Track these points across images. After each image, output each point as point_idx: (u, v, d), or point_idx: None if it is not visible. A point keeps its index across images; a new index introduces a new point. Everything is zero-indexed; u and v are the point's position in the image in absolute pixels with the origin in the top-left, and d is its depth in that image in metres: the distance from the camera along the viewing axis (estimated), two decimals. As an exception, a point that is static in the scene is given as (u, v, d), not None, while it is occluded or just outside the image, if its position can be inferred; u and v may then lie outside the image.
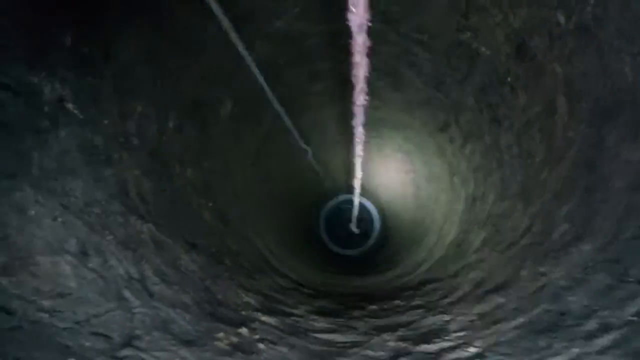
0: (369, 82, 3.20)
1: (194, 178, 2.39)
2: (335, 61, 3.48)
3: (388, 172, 5.47)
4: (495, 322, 1.52)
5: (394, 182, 5.53)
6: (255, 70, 2.31)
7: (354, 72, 1.64)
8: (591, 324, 1.21)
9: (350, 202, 5.72)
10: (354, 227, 5.77)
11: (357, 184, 3.62)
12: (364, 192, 6.27)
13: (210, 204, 2.53)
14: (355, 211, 5.01)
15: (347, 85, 2.11)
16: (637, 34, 1.51)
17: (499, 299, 1.62)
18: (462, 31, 2.63)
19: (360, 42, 1.39)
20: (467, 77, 2.83)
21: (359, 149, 2.76)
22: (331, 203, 6.41)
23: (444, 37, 2.81)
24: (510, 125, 2.56)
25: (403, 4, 2.78)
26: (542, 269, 1.54)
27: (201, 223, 2.27)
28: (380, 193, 6.14)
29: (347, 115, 2.54)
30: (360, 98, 1.89)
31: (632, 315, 1.10)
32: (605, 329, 1.19)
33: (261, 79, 2.55)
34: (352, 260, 6.11)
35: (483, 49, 2.57)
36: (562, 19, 1.91)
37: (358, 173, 3.33)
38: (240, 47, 2.01)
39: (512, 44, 2.29)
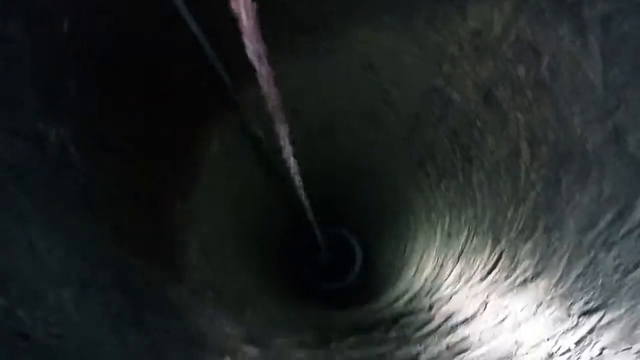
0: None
1: (181, 211, 2.48)
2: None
3: (369, 206, 5.60)
4: (460, 352, 1.63)
5: (375, 216, 5.66)
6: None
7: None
8: (540, 352, 1.33)
9: (333, 235, 5.81)
10: (335, 260, 5.83)
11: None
12: (347, 225, 6.37)
13: (194, 241, 2.61)
14: (337, 244, 5.08)
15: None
16: (584, 90, 1.70)
17: (465, 331, 1.73)
18: (436, 78, 2.84)
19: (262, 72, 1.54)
20: (440, 119, 3.03)
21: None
22: (313, 236, 6.46)
23: (419, 82, 3.02)
24: (480, 165, 2.74)
25: (382, 53, 2.99)
26: (505, 303, 1.67)
27: (185, 257, 2.34)
28: (362, 226, 6.25)
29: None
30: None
31: (574, 343, 1.23)
32: (551, 356, 1.31)
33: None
34: (334, 293, 6.13)
35: (455, 94, 2.77)
36: (522, 72, 2.11)
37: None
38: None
39: (480, 92, 2.49)
